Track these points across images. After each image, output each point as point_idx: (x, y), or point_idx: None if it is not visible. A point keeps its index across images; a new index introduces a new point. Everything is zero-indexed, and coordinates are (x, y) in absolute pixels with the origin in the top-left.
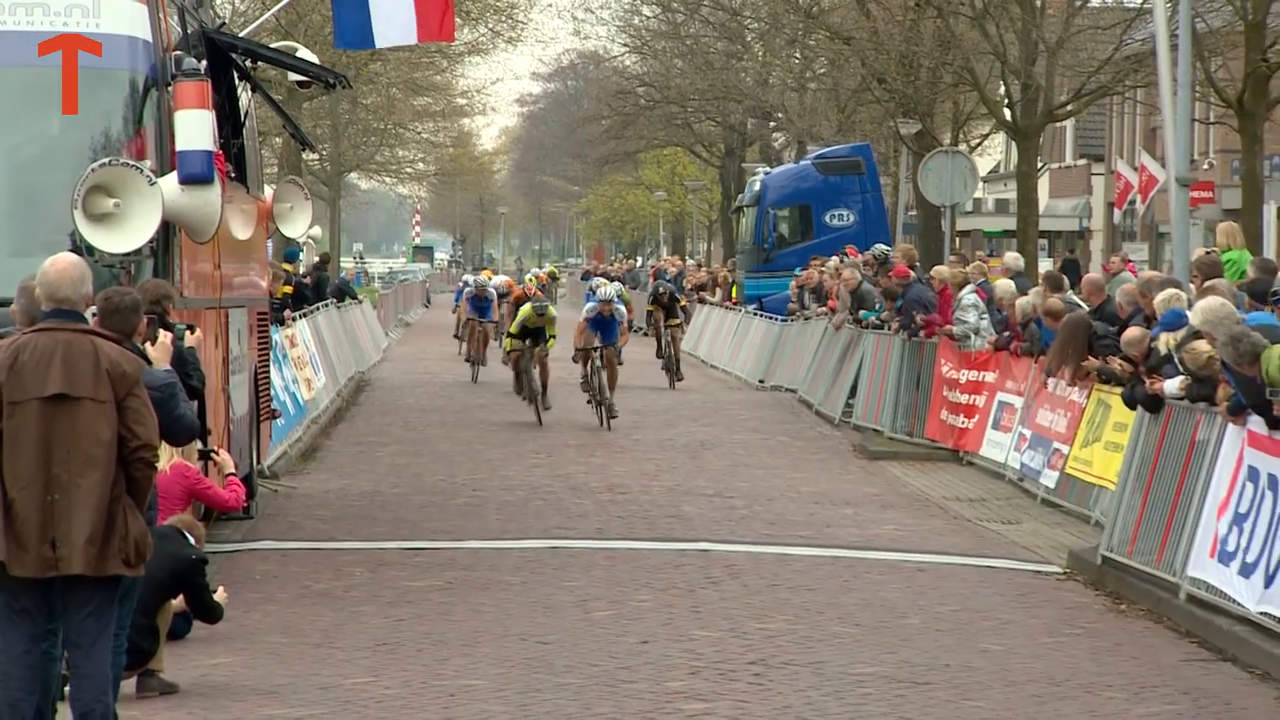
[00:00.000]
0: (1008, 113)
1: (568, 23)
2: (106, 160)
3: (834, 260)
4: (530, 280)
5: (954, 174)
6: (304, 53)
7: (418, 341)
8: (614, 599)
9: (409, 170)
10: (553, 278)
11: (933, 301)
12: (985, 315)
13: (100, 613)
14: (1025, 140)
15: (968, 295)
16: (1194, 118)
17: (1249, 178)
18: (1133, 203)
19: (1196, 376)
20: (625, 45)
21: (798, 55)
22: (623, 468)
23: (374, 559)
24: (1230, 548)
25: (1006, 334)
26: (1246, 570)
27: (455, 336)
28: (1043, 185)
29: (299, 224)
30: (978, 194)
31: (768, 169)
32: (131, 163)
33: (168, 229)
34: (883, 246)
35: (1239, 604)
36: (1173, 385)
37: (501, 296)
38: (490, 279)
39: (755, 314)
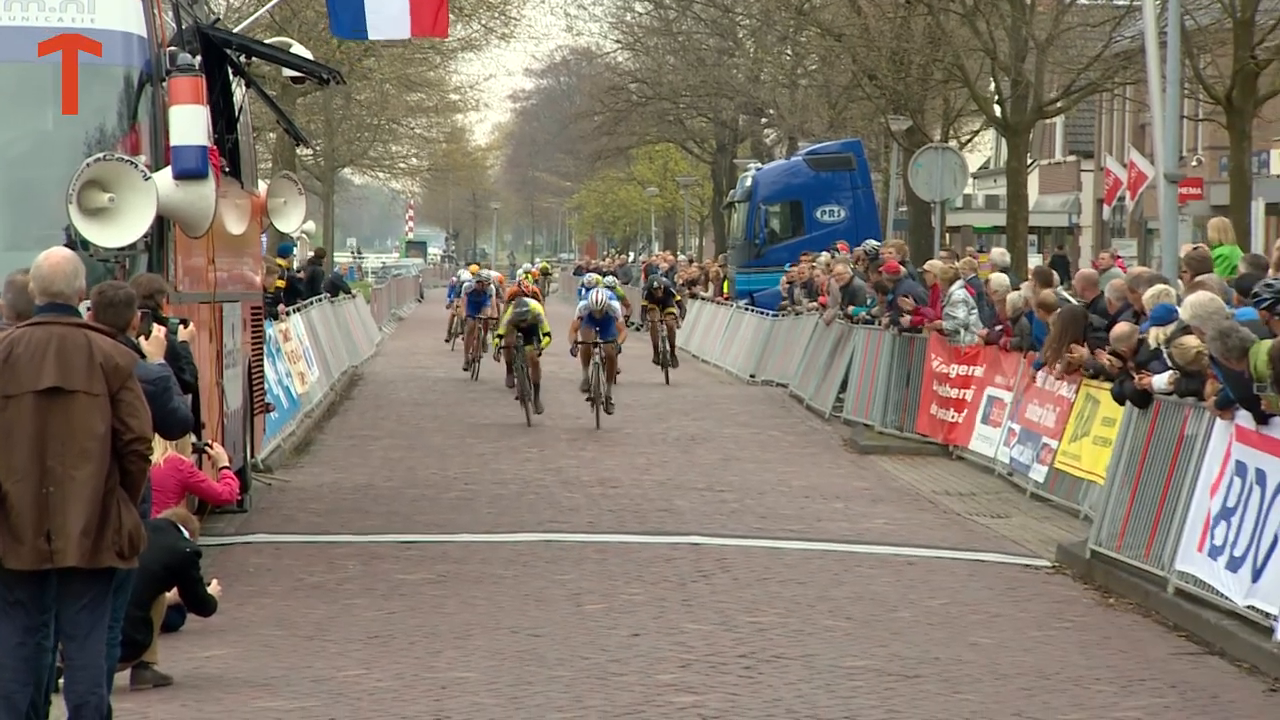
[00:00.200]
0: (998, 109)
1: (560, 19)
2: (101, 155)
3: (825, 256)
4: (524, 276)
5: (944, 170)
6: (298, 48)
7: (411, 336)
8: (605, 592)
9: (402, 165)
10: (545, 274)
11: (923, 296)
12: (974, 310)
13: (94, 605)
14: (1015, 137)
15: (957, 291)
16: (1183, 114)
17: (1237, 174)
18: (1122, 199)
19: (1185, 371)
20: (618, 42)
21: (789, 52)
22: (614, 462)
23: (367, 552)
24: (1218, 542)
25: (998, 328)
26: (1234, 564)
27: (448, 340)
28: (1032, 181)
29: (293, 219)
30: (968, 190)
31: (759, 165)
32: (126, 158)
33: (162, 224)
34: (873, 242)
35: (1226, 598)
36: (1161, 380)
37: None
38: (475, 274)
39: (747, 309)
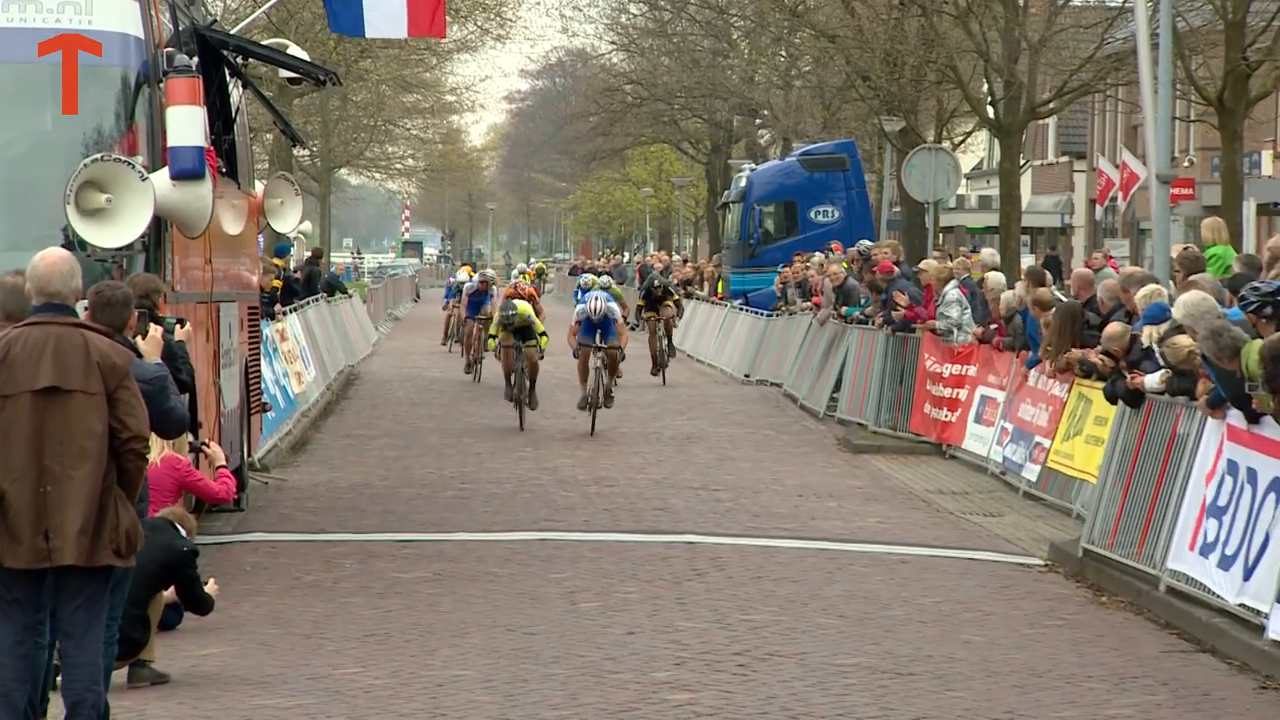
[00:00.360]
0: (991, 110)
1: (556, 21)
2: (99, 156)
3: (819, 256)
4: (520, 277)
5: (937, 171)
6: (295, 49)
7: (407, 336)
8: (600, 590)
9: (398, 166)
10: (540, 274)
11: (916, 295)
12: (968, 310)
13: (92, 603)
14: (1008, 137)
15: (952, 291)
16: (1174, 115)
17: (1229, 175)
18: (1114, 199)
19: (1177, 370)
20: (613, 43)
21: (783, 53)
22: (609, 461)
23: (363, 551)
24: (1210, 540)
25: (992, 326)
26: (1225, 563)
27: (444, 342)
28: (1025, 182)
29: (289, 219)
30: (961, 190)
31: (753, 165)
32: (124, 158)
33: (159, 224)
34: (866, 242)
35: (1218, 596)
36: (1153, 380)
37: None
38: (480, 273)
39: (741, 309)
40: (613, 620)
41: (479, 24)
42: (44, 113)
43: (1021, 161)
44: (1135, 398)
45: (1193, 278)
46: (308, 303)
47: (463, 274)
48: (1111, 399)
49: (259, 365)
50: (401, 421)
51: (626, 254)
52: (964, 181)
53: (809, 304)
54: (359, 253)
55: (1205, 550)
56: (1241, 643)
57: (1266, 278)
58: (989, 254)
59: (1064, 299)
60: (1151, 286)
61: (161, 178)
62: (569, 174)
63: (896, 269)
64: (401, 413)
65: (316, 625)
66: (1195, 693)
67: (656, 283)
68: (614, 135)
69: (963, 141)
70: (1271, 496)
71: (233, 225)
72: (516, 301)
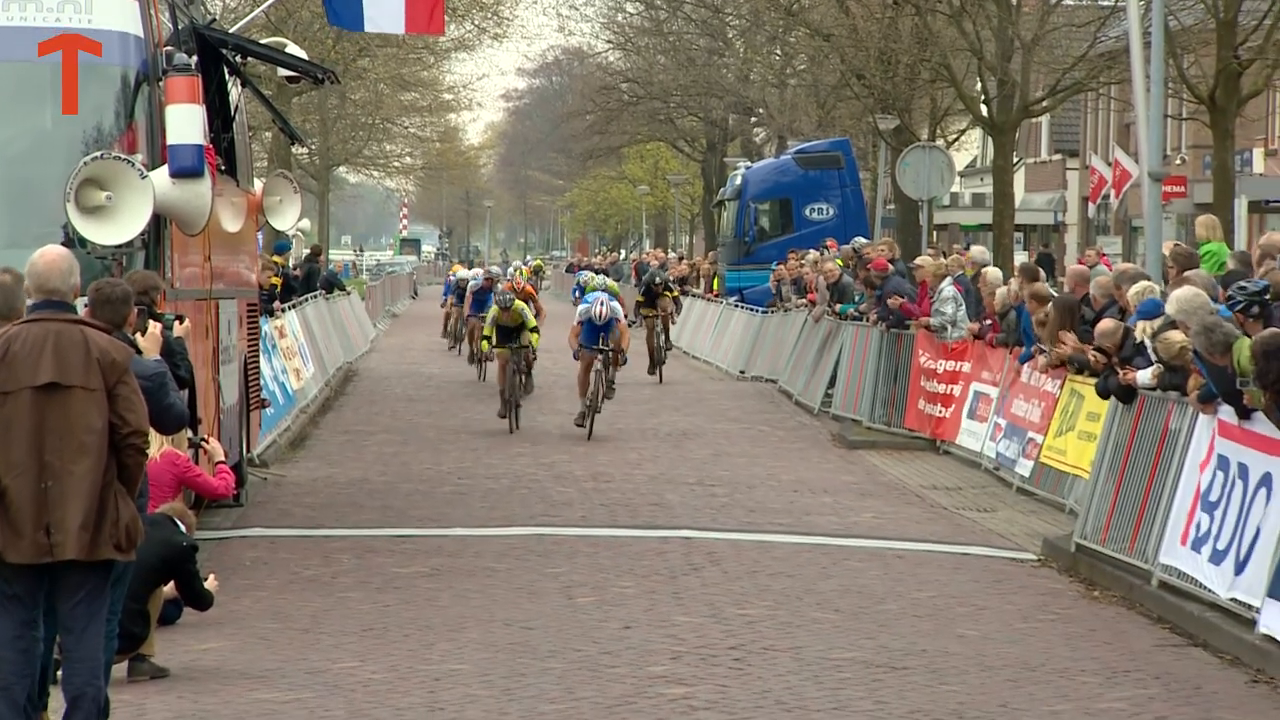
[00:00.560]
0: (984, 108)
1: (552, 19)
2: (99, 154)
3: (813, 253)
4: (516, 273)
5: (931, 169)
6: (293, 48)
7: (405, 333)
8: (597, 585)
9: (396, 164)
10: (538, 271)
11: (911, 293)
12: (962, 307)
13: (92, 598)
14: (1001, 135)
15: (947, 288)
16: (1166, 114)
17: (1220, 172)
18: (1106, 197)
19: (1169, 365)
20: (609, 42)
21: (778, 52)
22: (606, 456)
23: (361, 546)
24: (1201, 535)
25: (987, 322)
26: (1217, 557)
27: (445, 335)
28: (1018, 180)
29: (288, 217)
30: (954, 188)
31: (749, 164)
32: (123, 156)
33: (159, 221)
34: (860, 239)
35: (1210, 590)
36: (1145, 376)
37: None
38: (459, 272)
39: (736, 306)
40: (609, 615)
41: (476, 22)
42: (44, 111)
43: (1015, 159)
44: (1127, 393)
45: (1186, 274)
46: (306, 300)
47: (464, 272)
48: (1104, 394)
49: (258, 362)
50: (399, 418)
51: (623, 251)
52: (958, 179)
53: (804, 301)
54: (361, 250)
55: (1197, 545)
56: (1233, 637)
57: (1257, 275)
58: (979, 251)
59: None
60: (1144, 283)
61: (161, 175)
62: (566, 172)
63: (891, 266)
64: (399, 409)
65: (315, 620)
66: (1187, 686)
67: (657, 279)
68: (610, 133)
69: (956, 139)
70: (1263, 491)
71: (232, 223)
72: (509, 294)
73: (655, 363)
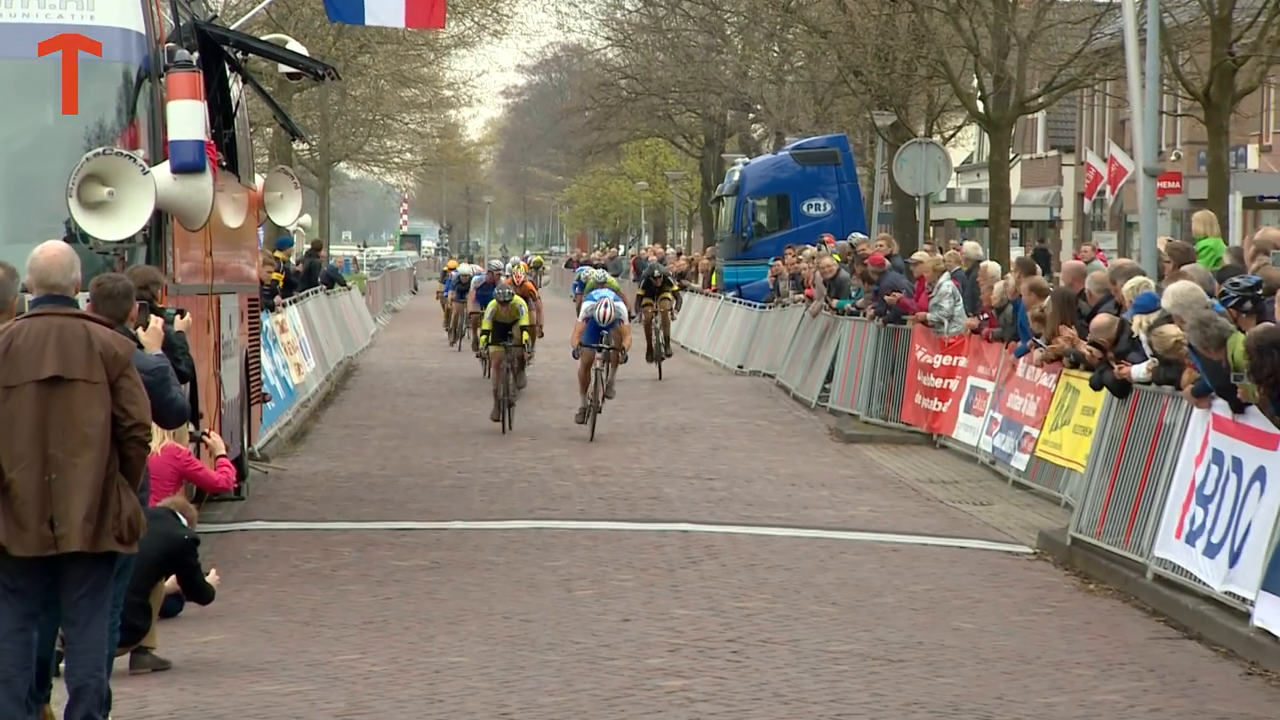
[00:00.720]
0: (980, 105)
1: (552, 16)
2: (101, 150)
3: (811, 249)
4: (514, 268)
5: (928, 165)
6: (294, 45)
7: (405, 327)
8: (596, 578)
9: (397, 160)
10: (537, 267)
11: (908, 288)
12: (959, 302)
13: (95, 591)
14: (997, 132)
15: (946, 283)
16: (1161, 110)
17: (1215, 168)
18: (1102, 193)
19: (1164, 359)
20: (608, 39)
21: (776, 49)
22: (605, 450)
23: (362, 539)
24: (1196, 529)
25: (984, 316)
26: (1211, 551)
27: (453, 343)
28: (1014, 176)
29: (289, 212)
30: (951, 184)
31: (747, 160)
32: (125, 152)
33: (160, 217)
34: (858, 235)
35: (1204, 583)
36: (1140, 370)
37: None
38: (461, 268)
39: (734, 301)
40: (608, 608)
41: (476, 19)
42: (45, 108)
43: (1011, 155)
44: (1122, 388)
45: (1183, 268)
46: (307, 295)
47: (466, 268)
48: (1097, 386)
49: (259, 356)
50: (399, 412)
51: (621, 247)
52: (954, 175)
53: (801, 296)
54: (365, 245)
55: (1192, 538)
56: (1227, 629)
57: (1250, 270)
58: (972, 247)
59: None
60: (1139, 278)
61: (163, 171)
62: (565, 168)
63: (888, 261)
64: (400, 403)
65: (315, 612)
66: (1181, 678)
67: (656, 273)
68: (609, 130)
69: (953, 136)
70: (1256, 485)
71: (233, 218)
72: (509, 290)
73: (655, 356)
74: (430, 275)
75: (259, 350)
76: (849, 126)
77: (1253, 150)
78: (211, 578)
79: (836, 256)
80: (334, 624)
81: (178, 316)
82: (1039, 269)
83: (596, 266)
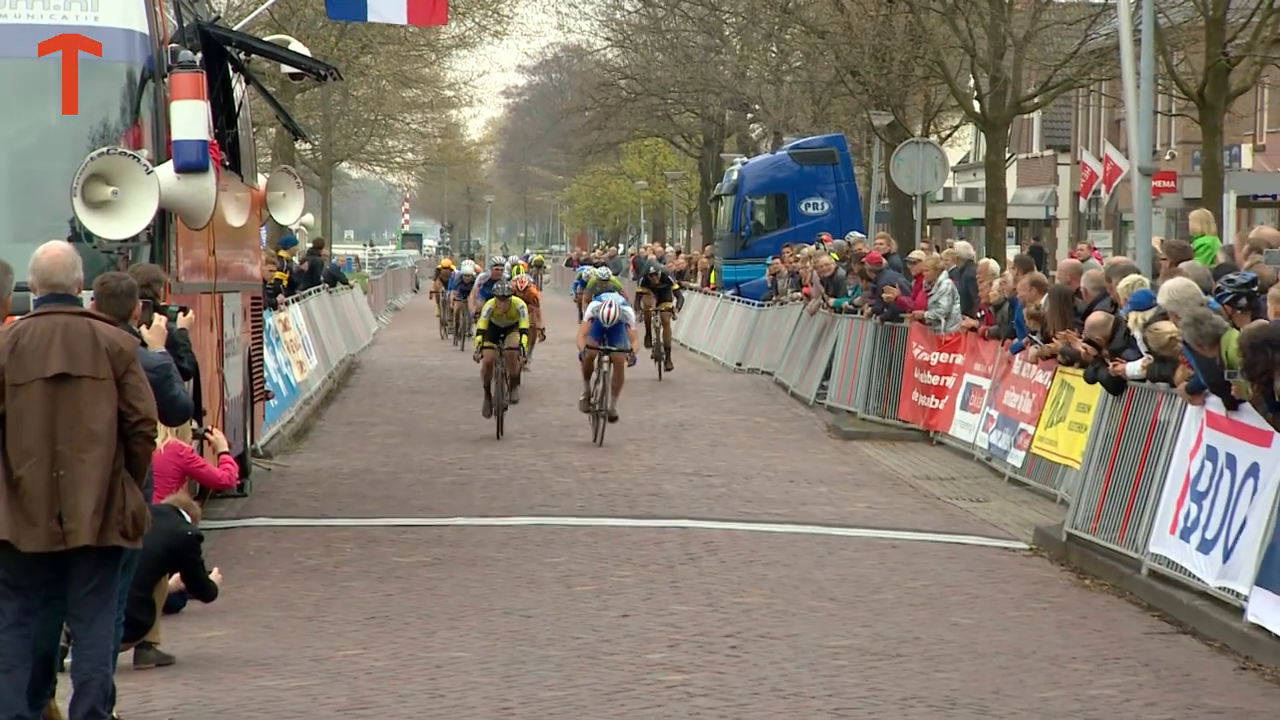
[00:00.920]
0: (977, 105)
1: (552, 17)
2: (105, 149)
3: (808, 248)
4: (515, 272)
5: (925, 164)
6: (296, 46)
7: (407, 326)
8: (596, 574)
9: (398, 160)
10: (539, 266)
11: (905, 285)
12: (958, 301)
13: (102, 587)
14: (994, 131)
15: (945, 281)
16: (1156, 110)
17: (1209, 168)
18: (1097, 192)
19: (1158, 356)
20: (607, 39)
21: (774, 49)
22: (604, 447)
23: (364, 535)
24: (1190, 525)
25: (980, 314)
26: (1206, 546)
27: (456, 341)
28: (1010, 175)
29: (291, 212)
30: (948, 183)
31: (745, 159)
32: (129, 152)
33: (164, 216)
34: (856, 234)
35: (1198, 579)
36: (1135, 367)
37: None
38: (464, 266)
39: (733, 299)
40: (608, 603)
41: (477, 20)
42: (47, 108)
43: (1007, 155)
44: (1117, 385)
45: (1180, 265)
46: (310, 293)
47: (469, 266)
48: (1091, 380)
49: (262, 354)
50: (401, 409)
51: (621, 246)
52: (951, 174)
53: (799, 294)
54: (371, 244)
55: (1186, 534)
56: (1221, 624)
57: (1243, 268)
58: (962, 246)
59: None
60: (1133, 276)
61: (166, 171)
62: (565, 167)
63: (885, 260)
64: (401, 401)
65: (318, 608)
66: (1176, 673)
67: (653, 270)
68: (609, 129)
69: (950, 135)
70: (1250, 481)
71: (236, 217)
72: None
73: (655, 353)
74: (431, 274)
75: (262, 348)
76: (846, 126)
77: (1246, 149)
78: (214, 576)
79: (834, 255)
80: (336, 619)
81: (180, 314)
82: (1035, 266)
83: (598, 265)
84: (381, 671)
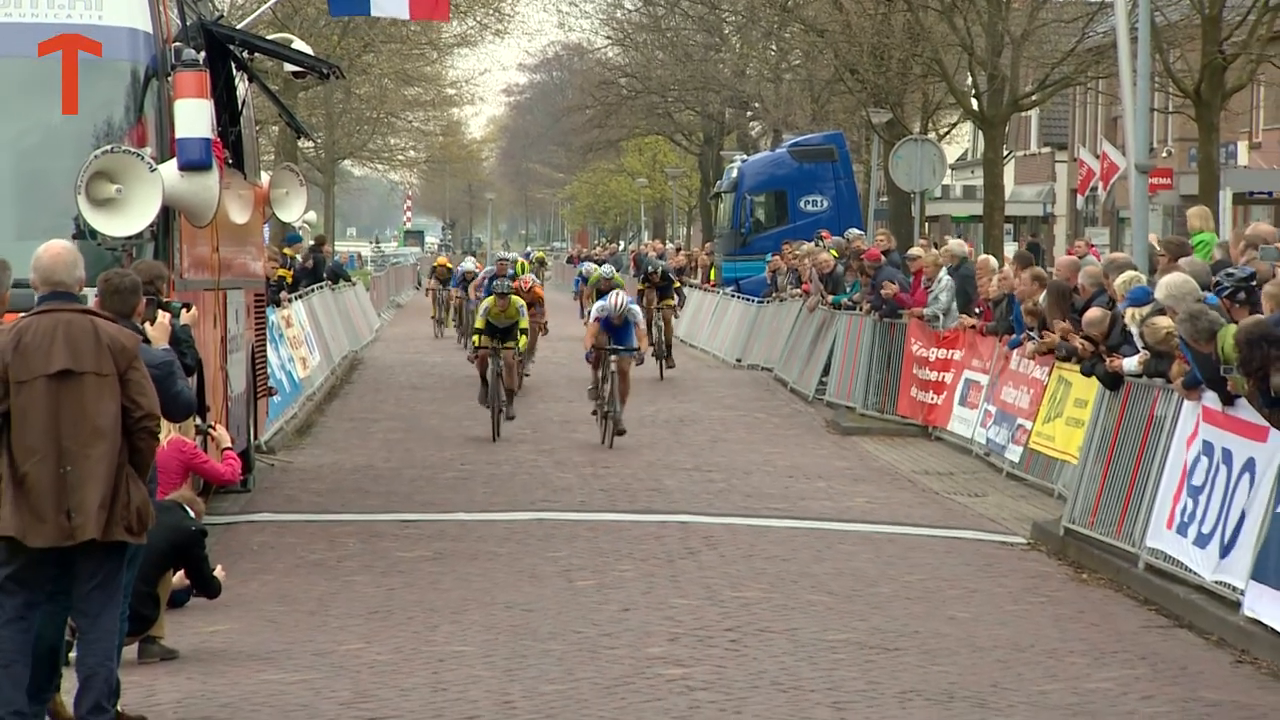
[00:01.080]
0: (975, 102)
1: (553, 16)
2: (109, 147)
3: (807, 245)
4: (518, 265)
5: (923, 161)
6: (299, 44)
7: (409, 322)
8: (596, 569)
9: (400, 158)
10: (540, 263)
11: (903, 282)
12: (955, 298)
13: (107, 582)
14: (991, 129)
15: (945, 277)
16: (1153, 107)
17: (1205, 165)
18: (1094, 189)
19: (1155, 351)
20: (608, 38)
21: (773, 47)
22: (604, 442)
23: (366, 530)
24: (1187, 519)
25: (978, 310)
26: (1202, 541)
27: (458, 338)
28: (1008, 172)
29: (294, 209)
30: (946, 180)
31: (745, 157)
32: (133, 150)
33: (168, 213)
34: (855, 230)
35: (1195, 573)
36: (1131, 363)
37: (469, 282)
38: (466, 263)
39: (733, 295)
40: (608, 597)
41: (479, 19)
42: (50, 107)
43: (1005, 152)
44: (1114, 380)
45: (1179, 261)
46: (312, 290)
47: (470, 263)
48: (1088, 373)
49: (265, 350)
50: (403, 405)
51: (622, 243)
52: (949, 172)
53: (798, 290)
54: (377, 242)
55: (1183, 529)
56: (1218, 618)
57: (1240, 263)
58: (956, 244)
59: None
60: (1130, 273)
61: (170, 168)
62: (566, 165)
63: (884, 256)
64: (403, 397)
65: (321, 602)
66: (1173, 666)
67: (654, 268)
68: (609, 127)
69: (948, 133)
70: (1246, 476)
71: (239, 215)
72: (506, 283)
73: (656, 351)
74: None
75: (265, 345)
76: (845, 124)
77: (1242, 147)
78: (218, 573)
79: (834, 252)
80: (339, 614)
81: (183, 309)
82: (1034, 262)
83: (600, 263)
84: (384, 665)
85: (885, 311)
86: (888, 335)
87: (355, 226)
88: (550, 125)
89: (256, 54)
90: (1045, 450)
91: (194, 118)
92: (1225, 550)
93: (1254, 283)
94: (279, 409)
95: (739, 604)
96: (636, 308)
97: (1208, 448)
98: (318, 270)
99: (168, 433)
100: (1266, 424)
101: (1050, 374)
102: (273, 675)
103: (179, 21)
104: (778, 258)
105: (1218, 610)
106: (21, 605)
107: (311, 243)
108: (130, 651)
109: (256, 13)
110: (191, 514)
